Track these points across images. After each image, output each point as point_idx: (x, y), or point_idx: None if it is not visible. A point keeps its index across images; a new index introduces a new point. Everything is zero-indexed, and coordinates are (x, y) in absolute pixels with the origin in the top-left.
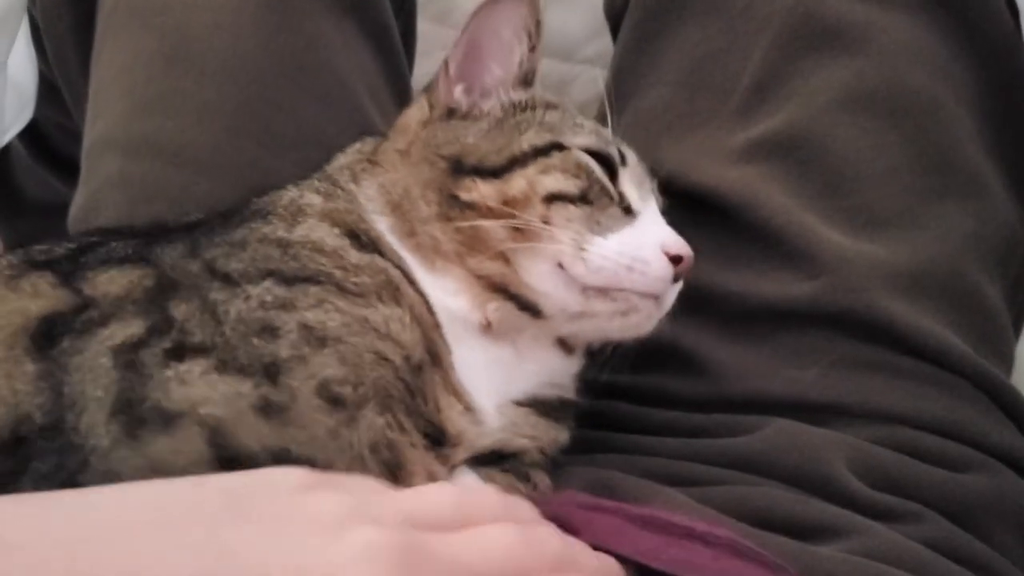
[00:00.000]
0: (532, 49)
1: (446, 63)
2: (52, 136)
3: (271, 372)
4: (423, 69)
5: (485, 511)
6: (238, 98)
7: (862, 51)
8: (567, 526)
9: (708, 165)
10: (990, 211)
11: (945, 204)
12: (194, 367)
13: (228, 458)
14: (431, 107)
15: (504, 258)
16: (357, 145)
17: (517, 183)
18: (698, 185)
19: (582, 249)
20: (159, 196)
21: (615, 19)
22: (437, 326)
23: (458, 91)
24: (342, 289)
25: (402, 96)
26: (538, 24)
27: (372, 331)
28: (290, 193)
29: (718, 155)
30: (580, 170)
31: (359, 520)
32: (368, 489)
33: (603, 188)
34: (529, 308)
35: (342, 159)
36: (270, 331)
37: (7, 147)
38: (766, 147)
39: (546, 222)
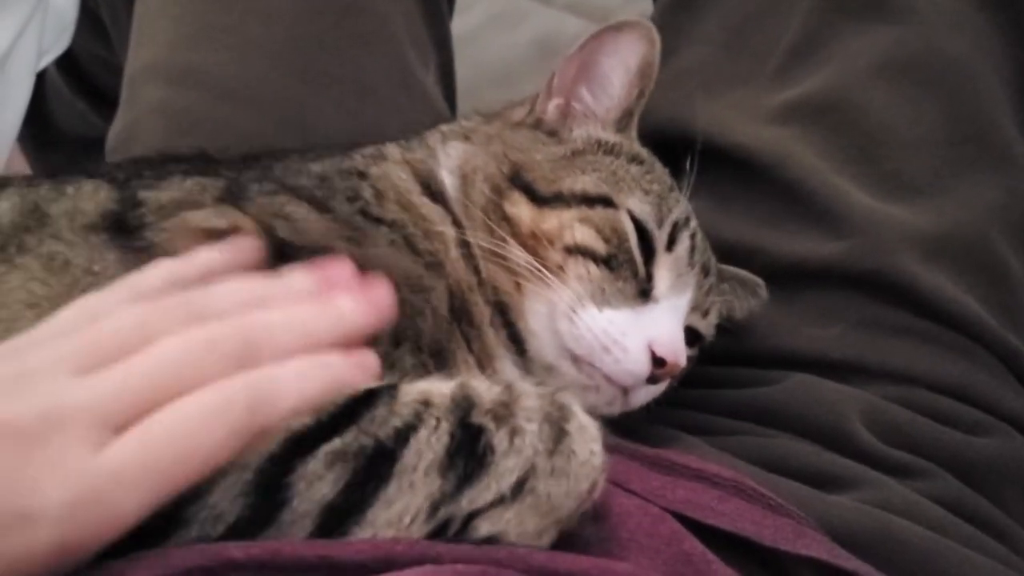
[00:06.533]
0: (640, 95)
1: (553, 74)
2: (92, 69)
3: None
4: (461, 22)
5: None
6: (282, 35)
7: (903, 18)
8: None
9: (743, 124)
10: (1019, 184)
11: (975, 174)
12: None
13: None
14: (530, 111)
15: (517, 282)
16: (462, 120)
17: (551, 221)
18: (732, 144)
19: (574, 311)
20: (198, 127)
21: None
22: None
23: (552, 106)
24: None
25: (440, 44)
26: (652, 68)
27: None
28: (373, 146)
29: (754, 115)
30: (614, 234)
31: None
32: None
33: (630, 260)
34: (517, 342)
35: (443, 127)
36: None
37: (43, 79)
38: (802, 109)
39: (560, 269)
